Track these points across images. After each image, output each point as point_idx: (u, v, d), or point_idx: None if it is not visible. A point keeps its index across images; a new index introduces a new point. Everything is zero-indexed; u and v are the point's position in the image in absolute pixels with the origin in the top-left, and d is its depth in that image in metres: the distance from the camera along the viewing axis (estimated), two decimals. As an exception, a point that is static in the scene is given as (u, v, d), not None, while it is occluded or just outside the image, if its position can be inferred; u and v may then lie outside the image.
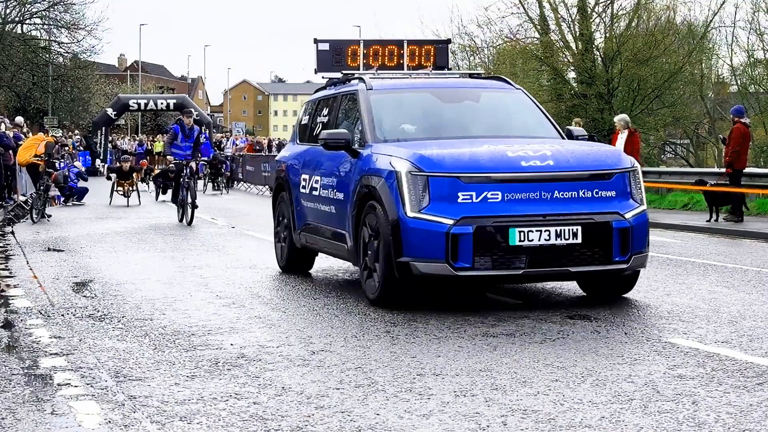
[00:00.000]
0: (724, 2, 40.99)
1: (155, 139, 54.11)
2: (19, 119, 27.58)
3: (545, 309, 8.20)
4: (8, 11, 47.94)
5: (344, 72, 10.90)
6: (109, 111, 48.79)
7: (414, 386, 5.52)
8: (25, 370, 5.99)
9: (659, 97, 36.22)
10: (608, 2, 35.57)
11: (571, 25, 36.34)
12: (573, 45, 36.22)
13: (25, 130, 26.19)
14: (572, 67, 36.87)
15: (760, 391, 5.40)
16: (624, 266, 8.13)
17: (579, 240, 7.88)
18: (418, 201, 7.92)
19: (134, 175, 25.75)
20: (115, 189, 25.13)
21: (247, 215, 21.09)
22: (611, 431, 4.66)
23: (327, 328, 7.48)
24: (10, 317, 7.95)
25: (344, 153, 9.14)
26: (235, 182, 36.10)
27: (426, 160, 8.06)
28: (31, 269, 11.19)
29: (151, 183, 29.81)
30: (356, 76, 10.21)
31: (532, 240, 7.78)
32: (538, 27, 36.81)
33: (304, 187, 10.29)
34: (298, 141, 11.21)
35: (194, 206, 17.88)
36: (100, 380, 5.71)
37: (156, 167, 41.40)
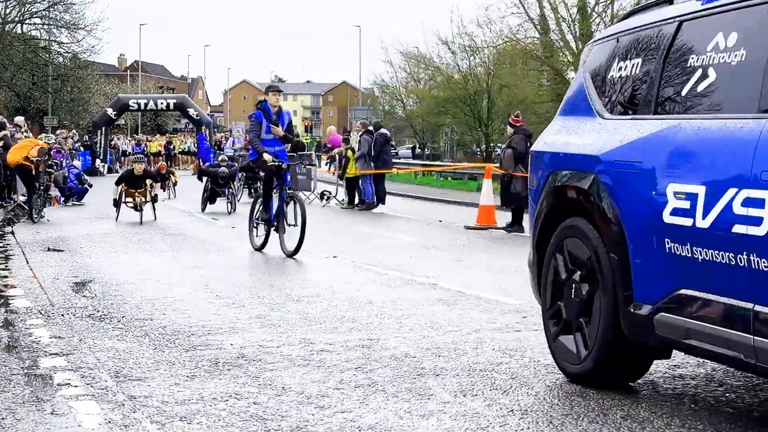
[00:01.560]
0: (724, 2, 40.95)
1: (150, 139, 53.94)
2: (19, 119, 27.57)
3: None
4: (8, 11, 48.01)
5: None
6: (109, 111, 48.77)
7: (414, 386, 5.52)
8: (25, 370, 5.99)
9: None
10: (608, 2, 35.63)
11: (571, 25, 36.45)
12: (573, 45, 36.28)
13: (24, 129, 26.13)
14: (572, 67, 36.92)
15: None
16: None
17: None
18: None
19: (148, 181, 19.46)
20: (123, 200, 19.16)
21: (246, 215, 21.04)
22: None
23: (327, 327, 7.47)
24: (10, 317, 7.95)
25: None
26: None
27: None
28: (31, 269, 11.18)
29: (174, 188, 26.39)
30: None
31: None
32: (538, 27, 36.90)
33: (679, 214, 4.72)
34: (608, 113, 5.69)
35: (304, 225, 12.53)
36: (100, 380, 5.71)
37: (159, 164, 40.60)
